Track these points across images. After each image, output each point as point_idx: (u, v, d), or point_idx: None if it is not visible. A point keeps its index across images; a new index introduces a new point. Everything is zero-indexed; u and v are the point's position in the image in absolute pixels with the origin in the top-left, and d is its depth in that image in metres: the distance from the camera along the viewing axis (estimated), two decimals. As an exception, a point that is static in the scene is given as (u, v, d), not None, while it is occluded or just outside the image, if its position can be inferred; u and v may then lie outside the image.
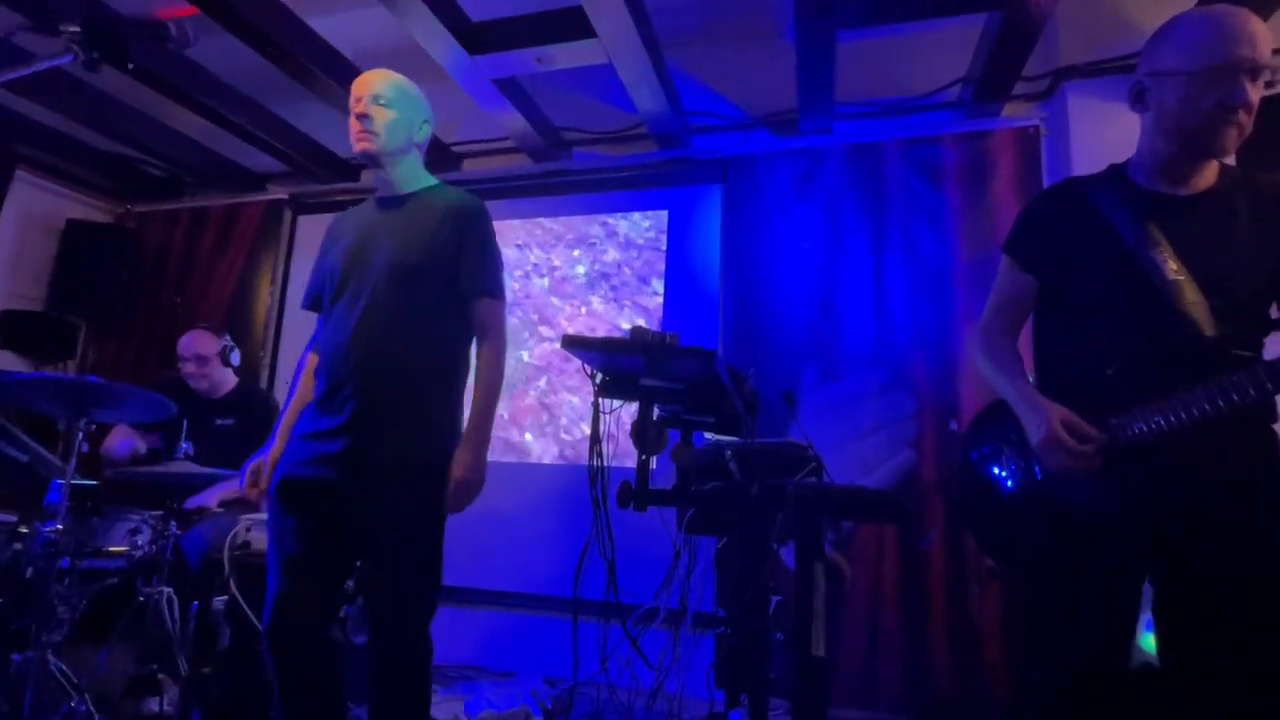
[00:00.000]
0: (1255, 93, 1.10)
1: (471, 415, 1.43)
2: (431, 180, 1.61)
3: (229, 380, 2.53)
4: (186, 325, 2.58)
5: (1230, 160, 1.22)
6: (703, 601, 1.94)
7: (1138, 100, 1.22)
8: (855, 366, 2.80)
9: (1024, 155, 2.79)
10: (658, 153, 3.26)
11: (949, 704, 2.45)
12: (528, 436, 3.21)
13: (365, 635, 2.07)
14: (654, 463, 1.45)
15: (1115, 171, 1.28)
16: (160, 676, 1.89)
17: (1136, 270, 1.15)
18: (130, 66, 2.55)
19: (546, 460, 3.15)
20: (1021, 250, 1.33)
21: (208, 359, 2.47)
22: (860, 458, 2.69)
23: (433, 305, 1.44)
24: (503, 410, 3.28)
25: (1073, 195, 1.29)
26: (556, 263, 3.35)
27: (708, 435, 1.76)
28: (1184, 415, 1.06)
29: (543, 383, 3.28)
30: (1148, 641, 1.27)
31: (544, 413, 3.22)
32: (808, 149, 3.04)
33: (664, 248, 3.20)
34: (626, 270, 3.23)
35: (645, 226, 3.26)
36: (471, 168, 3.58)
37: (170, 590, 1.91)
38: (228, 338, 2.56)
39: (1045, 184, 2.74)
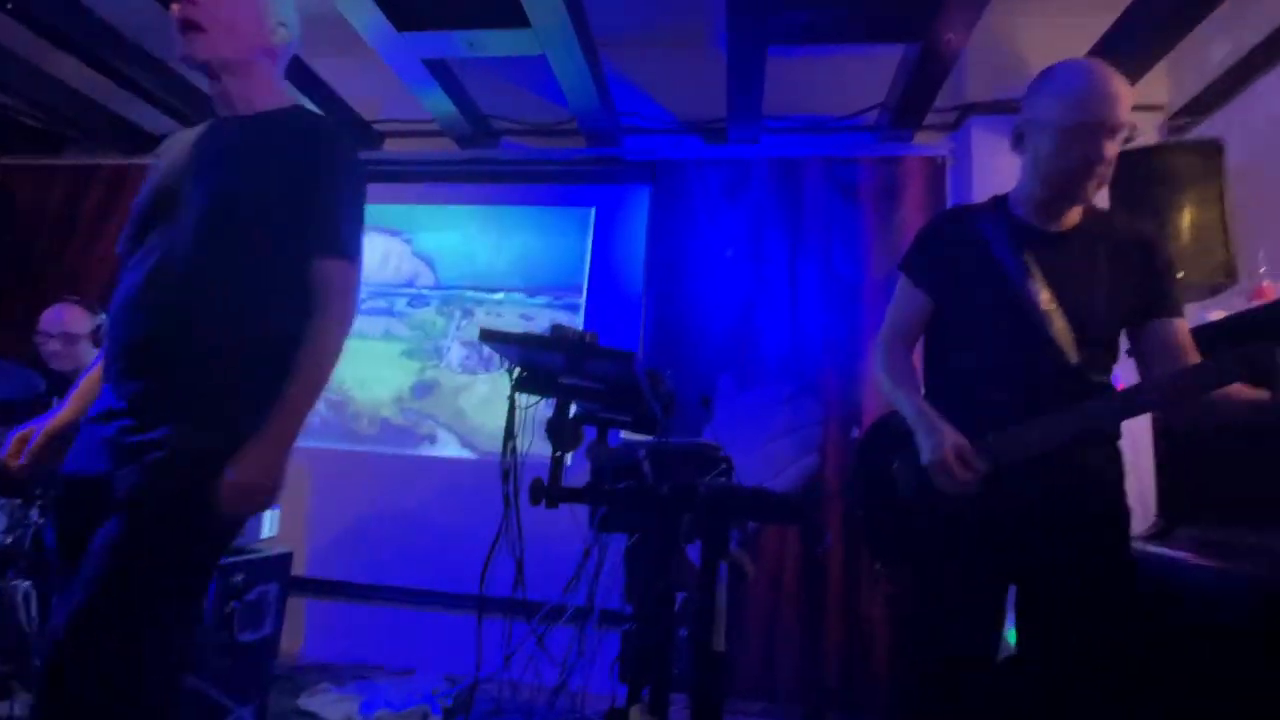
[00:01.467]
0: (1114, 148, 1.22)
1: (279, 403, 1.07)
2: (289, 101, 1.26)
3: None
4: (55, 297, 2.36)
5: (1097, 203, 1.37)
6: (610, 599, 1.95)
7: (1018, 142, 1.32)
8: (769, 374, 2.90)
9: (931, 182, 2.99)
10: (588, 149, 3.25)
11: (840, 694, 2.59)
12: (435, 429, 3.15)
13: (253, 632, 1.99)
14: (568, 459, 1.46)
15: (998, 202, 1.40)
16: (12, 682, 1.74)
17: (1014, 298, 1.26)
18: (8, 5, 2.30)
19: (454, 454, 3.10)
20: (916, 269, 1.41)
21: (77, 338, 2.26)
22: (768, 460, 2.79)
23: (260, 261, 1.11)
24: (415, 403, 3.20)
25: (962, 221, 1.39)
26: (477, 253, 3.31)
27: (623, 434, 1.77)
28: (1053, 435, 1.18)
29: (454, 375, 3.22)
30: (1012, 636, 1.39)
31: (455, 404, 3.17)
32: (735, 159, 3.12)
33: (589, 245, 3.20)
34: (550, 266, 3.22)
35: (571, 223, 3.25)
36: (394, 148, 3.46)
37: (29, 584, 1.77)
38: (103, 316, 2.35)
39: (948, 210, 2.95)
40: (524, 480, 1.42)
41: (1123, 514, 1.28)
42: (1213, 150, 2.14)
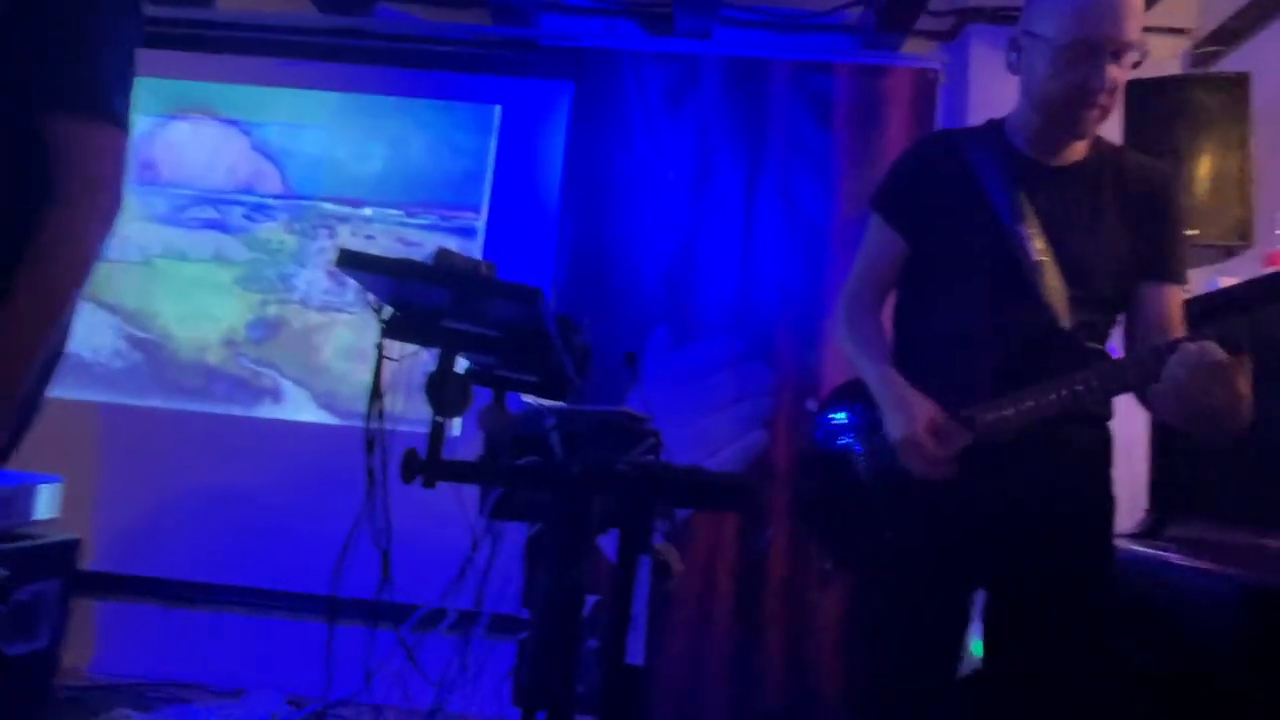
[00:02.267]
0: (1119, 73, 1.24)
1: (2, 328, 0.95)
2: None
3: None
4: None
5: (1109, 136, 1.41)
6: (503, 602, 1.95)
7: (1014, 59, 1.35)
8: (712, 329, 2.93)
9: (919, 102, 3.04)
10: (494, 28, 3.15)
11: (780, 717, 2.71)
12: (279, 382, 3.07)
13: (24, 644, 1.88)
14: (454, 427, 1.44)
15: (994, 127, 1.43)
16: None
17: (1003, 245, 1.29)
18: None
19: (303, 417, 3.06)
20: (890, 205, 1.44)
21: None
22: (706, 435, 2.84)
23: None
24: (253, 347, 3.06)
25: (947, 148, 1.41)
26: (341, 155, 3.18)
27: (526, 398, 1.79)
28: (1035, 411, 1.22)
29: (306, 314, 3.12)
30: (978, 648, 1.47)
31: (307, 352, 3.07)
32: (682, 55, 3.08)
33: (491, 154, 3.15)
34: (438, 177, 3.16)
35: (468, 123, 3.19)
36: (230, 7, 3.24)
37: None
38: None
39: (937, 139, 3.01)
40: (394, 452, 1.39)
41: (1109, 509, 1.36)
42: (1239, 86, 2.26)
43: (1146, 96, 2.30)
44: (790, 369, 2.90)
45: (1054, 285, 1.27)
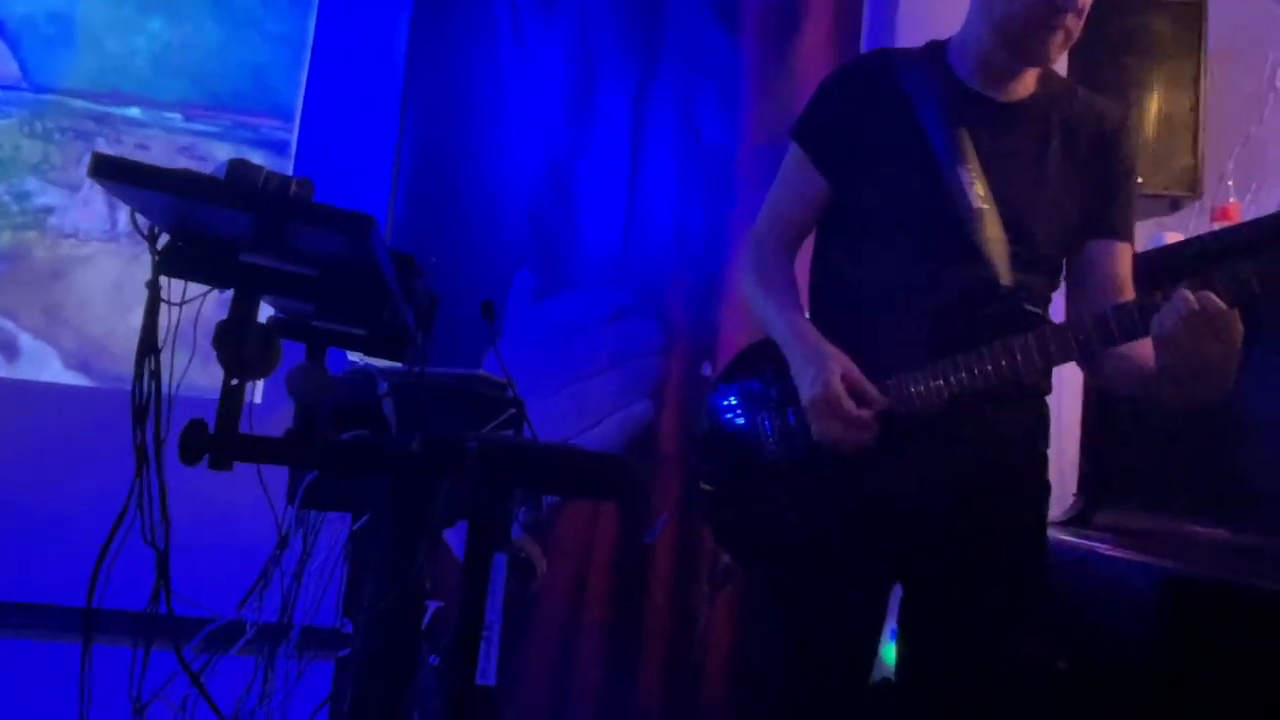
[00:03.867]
0: None
1: None
2: None
3: None
4: None
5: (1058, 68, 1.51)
6: (319, 612, 1.91)
7: None
8: (590, 277, 2.95)
9: (843, 12, 3.12)
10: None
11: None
12: (16, 334, 2.94)
13: None
14: (255, 392, 1.42)
15: (935, 51, 1.49)
16: None
17: (940, 190, 1.35)
18: None
19: (48, 377, 2.92)
20: (812, 137, 1.48)
21: None
22: (581, 406, 2.87)
23: None
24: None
25: (883, 73, 1.47)
26: (99, 35, 2.99)
27: (352, 357, 1.76)
28: (967, 381, 1.29)
29: (53, 243, 2.94)
30: (889, 653, 1.57)
31: (55, 294, 2.91)
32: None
33: (308, 47, 3.08)
34: (234, 69, 3.05)
35: (278, 5, 3.09)
36: None
37: None
38: None
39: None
40: (174, 425, 1.32)
41: (1043, 498, 1.46)
42: (1194, 15, 2.43)
43: (1093, 20, 2.42)
44: (683, 326, 2.95)
45: (994, 237, 1.33)
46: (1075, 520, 2.22)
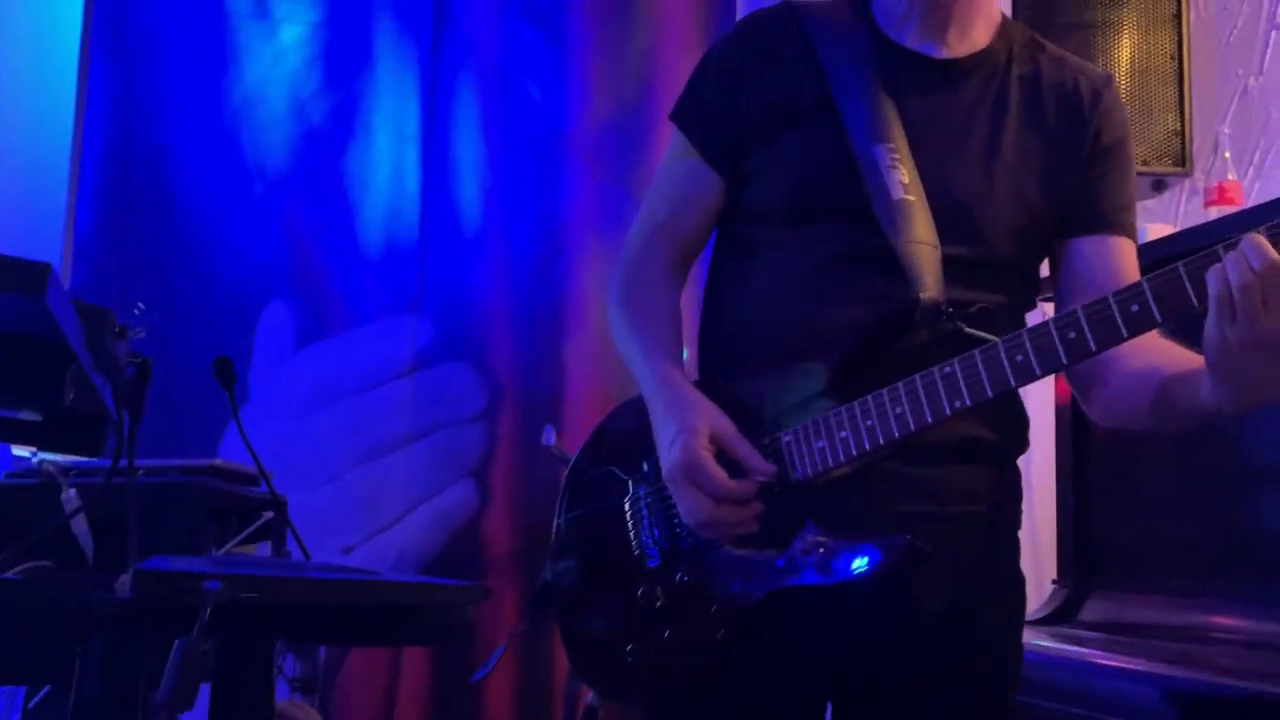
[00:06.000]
0: None
1: None
2: None
3: None
4: None
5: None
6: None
7: None
8: (374, 307, 2.88)
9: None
10: None
11: None
12: None
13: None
14: None
15: (856, 1, 1.50)
16: None
17: (853, 176, 1.36)
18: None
19: None
20: (700, 120, 1.49)
21: None
22: (372, 496, 2.80)
23: None
24: None
25: (786, 29, 1.49)
26: None
27: (19, 452, 1.85)
28: (879, 431, 1.26)
29: None
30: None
31: None
32: None
33: None
34: None
35: None
36: None
37: None
38: None
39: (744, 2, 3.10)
40: None
41: (1012, 592, 1.45)
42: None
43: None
44: (512, 376, 2.90)
45: (920, 239, 1.33)
46: (1057, 616, 2.20)
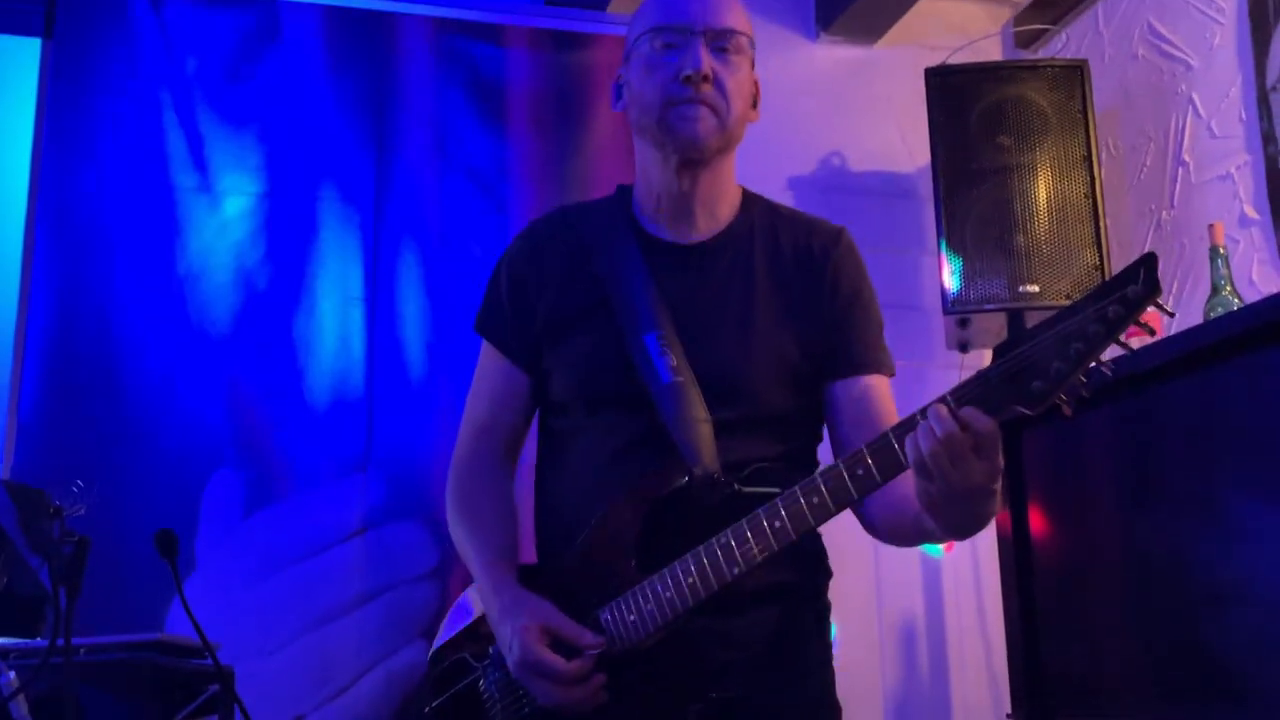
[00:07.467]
0: (723, 68, 1.48)
1: None
2: None
3: None
4: None
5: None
6: None
7: (617, 98, 1.59)
8: (320, 471, 2.87)
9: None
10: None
11: None
12: None
13: None
14: None
15: (621, 198, 1.64)
16: None
17: (628, 365, 1.47)
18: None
19: None
20: (498, 326, 1.63)
21: None
22: (324, 661, 2.76)
23: None
24: None
25: (563, 233, 1.64)
26: None
27: None
28: (676, 599, 1.35)
29: None
30: None
31: None
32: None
33: None
34: None
35: None
36: None
37: None
38: None
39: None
40: None
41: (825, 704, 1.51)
42: (1073, 79, 2.57)
43: (955, 91, 2.54)
44: None
45: (694, 416, 1.42)
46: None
